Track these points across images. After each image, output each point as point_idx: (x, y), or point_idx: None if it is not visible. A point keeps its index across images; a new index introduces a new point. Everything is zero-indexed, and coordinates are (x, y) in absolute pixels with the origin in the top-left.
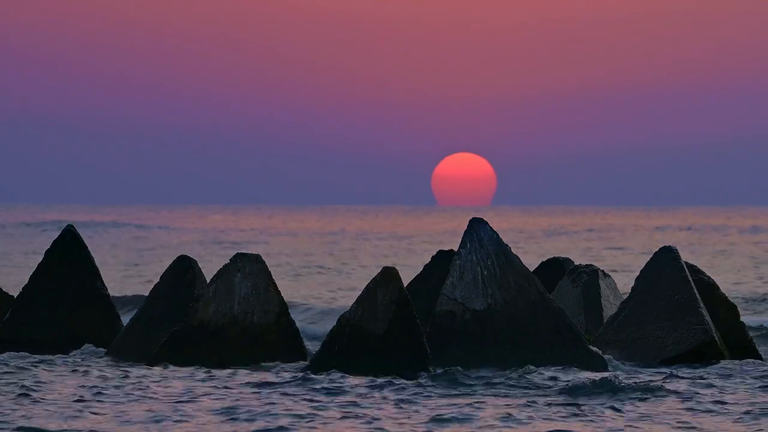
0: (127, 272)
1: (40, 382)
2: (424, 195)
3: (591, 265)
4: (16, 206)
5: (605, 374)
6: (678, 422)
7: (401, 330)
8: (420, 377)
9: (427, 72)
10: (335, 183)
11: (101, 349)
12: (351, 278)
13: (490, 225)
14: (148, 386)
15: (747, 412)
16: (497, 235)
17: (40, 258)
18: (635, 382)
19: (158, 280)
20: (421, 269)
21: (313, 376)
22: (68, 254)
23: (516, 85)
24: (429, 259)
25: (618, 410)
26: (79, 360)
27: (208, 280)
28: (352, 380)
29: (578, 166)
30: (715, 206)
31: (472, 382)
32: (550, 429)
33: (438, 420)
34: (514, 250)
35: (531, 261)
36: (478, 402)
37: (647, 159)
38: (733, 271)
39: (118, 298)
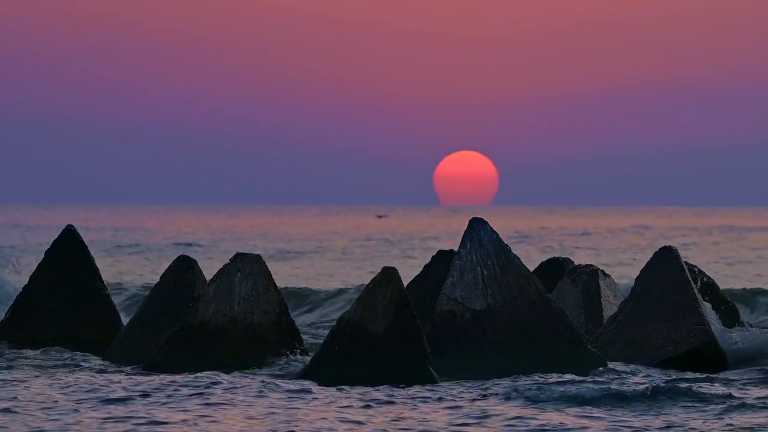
0: None
1: (38, 383)
2: (426, 195)
3: (591, 265)
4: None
5: (605, 374)
6: (678, 422)
7: (401, 330)
8: (420, 379)
9: (430, 72)
10: (336, 183)
11: (101, 350)
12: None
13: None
14: (147, 387)
15: (746, 412)
16: (497, 235)
17: (40, 258)
18: (635, 383)
19: (158, 280)
20: (421, 269)
21: (313, 376)
22: (68, 254)
23: (517, 85)
24: (429, 259)
25: (618, 411)
26: (79, 361)
27: (208, 280)
28: (352, 381)
29: (578, 166)
30: (715, 207)
31: (472, 383)
32: (550, 429)
33: (438, 422)
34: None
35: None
36: (477, 403)
37: (648, 159)
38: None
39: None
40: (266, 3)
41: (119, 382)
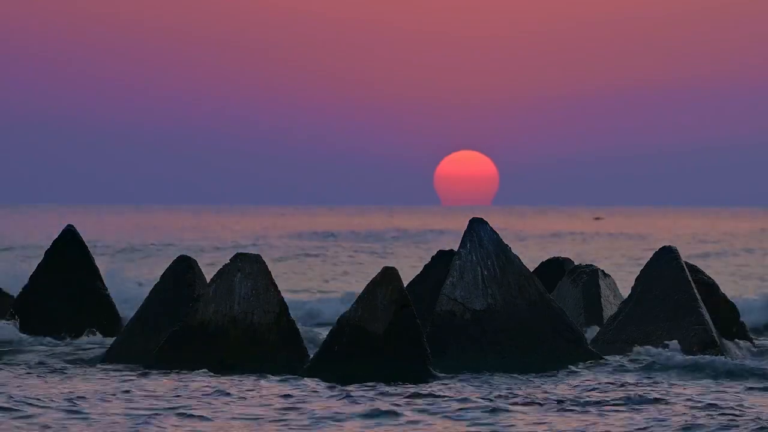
0: None
1: (36, 382)
2: (426, 195)
3: (591, 265)
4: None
5: (605, 374)
6: (679, 422)
7: (401, 330)
8: (420, 379)
9: (430, 72)
10: (336, 183)
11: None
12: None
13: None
14: (146, 387)
15: (746, 411)
16: (497, 235)
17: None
18: (635, 383)
19: (158, 280)
20: (421, 269)
21: (312, 376)
22: (68, 254)
23: (517, 85)
24: (429, 259)
25: (617, 411)
26: (79, 360)
27: (208, 280)
28: (352, 381)
29: (578, 166)
30: (714, 207)
31: (472, 384)
32: (550, 430)
33: (439, 423)
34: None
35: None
36: (477, 403)
37: (648, 159)
38: None
39: None
40: (266, 3)
41: (119, 382)
